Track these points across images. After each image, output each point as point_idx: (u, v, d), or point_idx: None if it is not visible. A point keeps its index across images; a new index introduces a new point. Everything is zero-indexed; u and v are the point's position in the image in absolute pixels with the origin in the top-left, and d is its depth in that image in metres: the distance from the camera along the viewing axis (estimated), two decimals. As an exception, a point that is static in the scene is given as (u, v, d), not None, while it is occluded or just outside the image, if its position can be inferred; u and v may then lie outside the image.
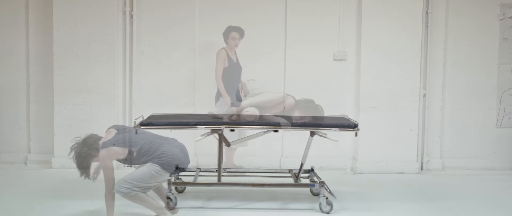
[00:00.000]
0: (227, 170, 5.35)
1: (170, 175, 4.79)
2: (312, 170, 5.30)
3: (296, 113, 5.54)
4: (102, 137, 4.25)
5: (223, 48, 6.07)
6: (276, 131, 4.78)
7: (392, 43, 6.37)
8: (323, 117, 5.17)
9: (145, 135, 4.37)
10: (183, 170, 4.63)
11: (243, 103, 5.87)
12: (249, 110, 5.75)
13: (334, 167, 6.52)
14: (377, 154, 6.44)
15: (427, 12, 6.49)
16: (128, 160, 4.24)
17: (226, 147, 5.77)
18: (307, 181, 5.20)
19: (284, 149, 6.62)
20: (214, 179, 4.89)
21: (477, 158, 6.70)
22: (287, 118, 5.08)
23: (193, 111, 6.27)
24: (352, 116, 5.86)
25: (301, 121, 4.95)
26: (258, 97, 6.03)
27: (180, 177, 5.21)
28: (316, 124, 4.87)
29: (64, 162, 6.43)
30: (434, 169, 6.64)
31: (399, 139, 6.43)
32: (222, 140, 4.71)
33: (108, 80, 6.41)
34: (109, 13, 6.39)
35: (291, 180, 5.17)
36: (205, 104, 6.30)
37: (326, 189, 4.64)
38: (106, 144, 4.14)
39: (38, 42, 6.66)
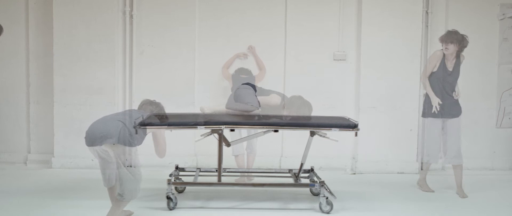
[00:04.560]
0: (227, 170, 5.35)
1: (170, 175, 4.79)
2: (312, 170, 5.30)
3: (284, 111, 5.43)
4: None
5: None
6: (276, 131, 4.78)
7: (392, 43, 6.37)
8: (323, 117, 5.16)
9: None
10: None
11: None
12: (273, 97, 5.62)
13: (334, 167, 6.52)
14: (377, 154, 6.44)
15: (427, 12, 6.49)
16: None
17: (248, 156, 5.76)
18: (307, 181, 5.20)
19: (284, 149, 6.62)
20: (214, 179, 4.89)
21: (477, 158, 6.69)
22: (287, 118, 5.08)
23: (193, 111, 6.27)
24: (352, 116, 5.86)
25: (301, 121, 4.94)
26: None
27: (180, 177, 5.22)
28: (316, 124, 4.86)
29: (64, 162, 6.44)
30: (434, 169, 6.63)
31: (399, 139, 6.42)
32: (222, 140, 4.70)
33: (108, 80, 6.41)
34: (109, 13, 6.39)
35: (291, 180, 5.17)
36: (205, 104, 6.29)
37: (326, 189, 4.64)
38: None
39: (38, 42, 6.66)
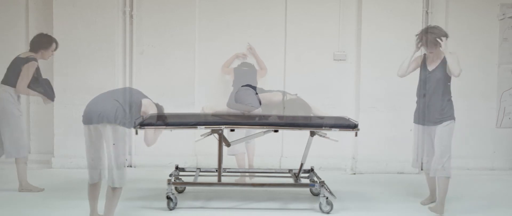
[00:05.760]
0: (227, 170, 5.35)
1: (170, 175, 4.79)
2: (312, 170, 5.30)
3: (285, 112, 5.43)
4: None
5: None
6: (276, 131, 4.78)
7: (392, 43, 6.36)
8: (323, 117, 5.16)
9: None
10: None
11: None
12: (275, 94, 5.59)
13: (334, 167, 6.52)
14: (377, 154, 6.44)
15: (427, 12, 6.49)
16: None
17: (248, 149, 5.75)
18: (307, 181, 5.20)
19: (284, 149, 6.62)
20: (214, 179, 4.89)
21: (477, 158, 6.69)
22: (287, 118, 5.08)
23: (193, 111, 6.27)
24: (352, 116, 5.86)
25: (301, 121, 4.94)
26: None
27: (180, 177, 5.22)
28: (316, 124, 4.87)
29: (64, 162, 6.45)
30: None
31: (399, 139, 6.41)
32: (222, 140, 4.71)
33: (108, 80, 6.39)
34: (109, 13, 6.39)
35: (291, 180, 5.17)
36: (207, 104, 6.29)
37: (326, 189, 4.64)
38: None
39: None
